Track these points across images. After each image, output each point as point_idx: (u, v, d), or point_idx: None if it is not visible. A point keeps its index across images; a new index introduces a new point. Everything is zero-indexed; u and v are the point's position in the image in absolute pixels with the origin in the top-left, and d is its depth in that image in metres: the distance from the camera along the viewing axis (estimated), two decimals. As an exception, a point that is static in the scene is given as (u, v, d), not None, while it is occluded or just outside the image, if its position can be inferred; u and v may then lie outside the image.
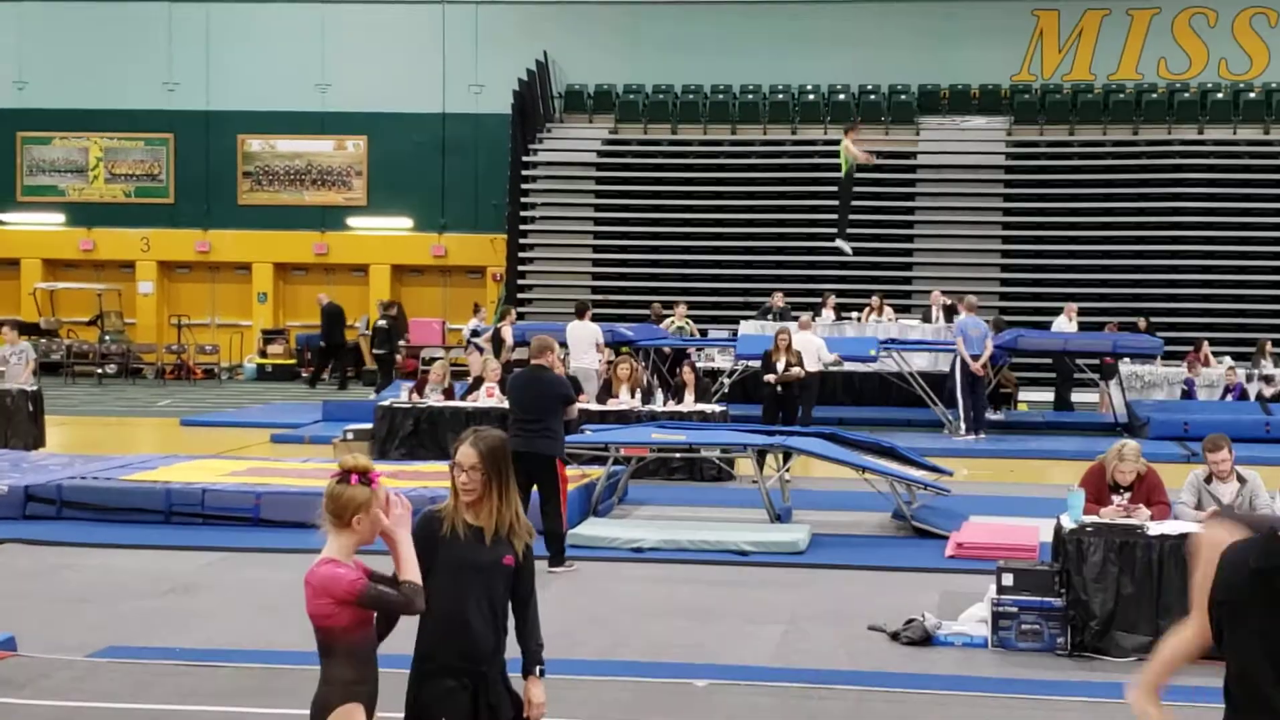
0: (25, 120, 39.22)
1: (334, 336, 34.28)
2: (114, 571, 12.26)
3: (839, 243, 27.35)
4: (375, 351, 31.39)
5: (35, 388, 20.54)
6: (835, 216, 27.98)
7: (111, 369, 35.32)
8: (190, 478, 15.22)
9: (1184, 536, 9.77)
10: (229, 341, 37.57)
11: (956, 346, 22.69)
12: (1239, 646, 4.78)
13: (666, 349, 26.54)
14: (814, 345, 22.15)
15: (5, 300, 38.57)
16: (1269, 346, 27.09)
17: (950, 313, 26.46)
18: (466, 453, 5.57)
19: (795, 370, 20.61)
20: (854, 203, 28.04)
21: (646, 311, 29.37)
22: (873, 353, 23.74)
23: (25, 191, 39.65)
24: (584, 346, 22.32)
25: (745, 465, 16.91)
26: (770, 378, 20.65)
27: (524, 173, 35.27)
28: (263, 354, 37.20)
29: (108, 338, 36.39)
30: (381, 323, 31.21)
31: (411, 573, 5.23)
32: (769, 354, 20.95)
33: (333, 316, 34.12)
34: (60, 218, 39.53)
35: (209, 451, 19.45)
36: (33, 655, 9.42)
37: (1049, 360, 27.27)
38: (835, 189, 27.56)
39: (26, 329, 27.67)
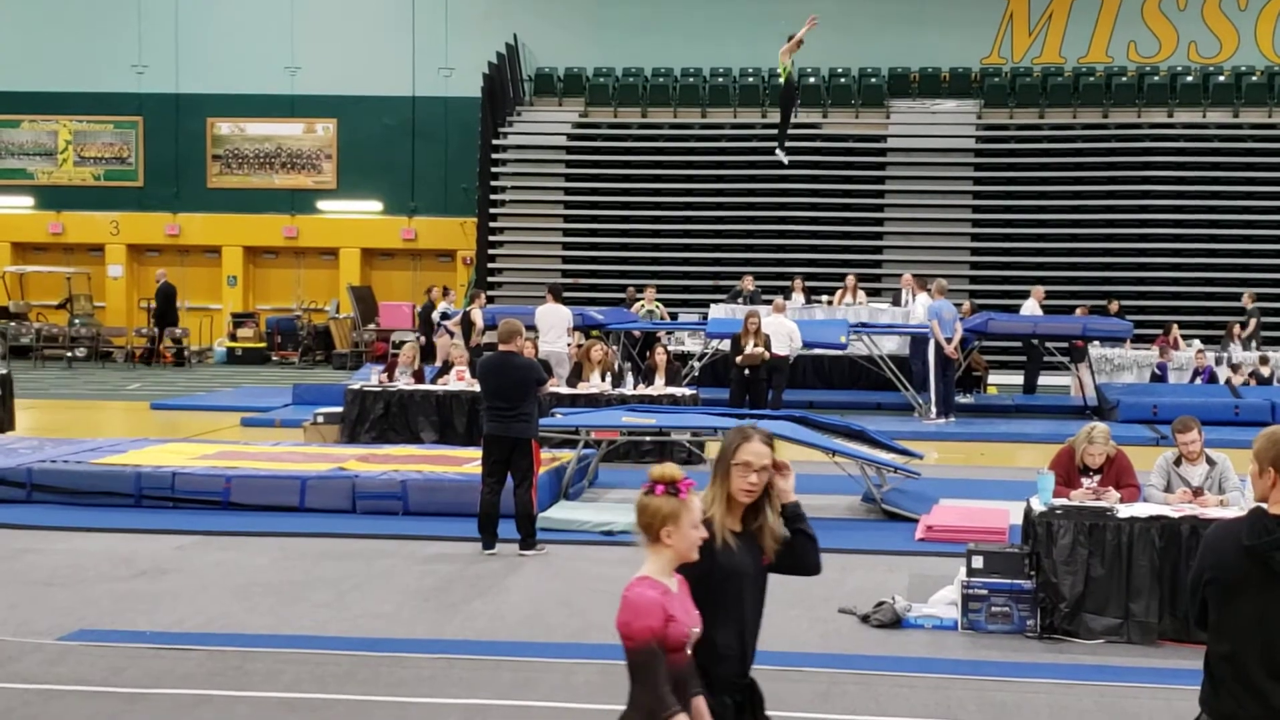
0: (-7, 102, 39.02)
1: (167, 317, 34.82)
2: (84, 555, 12.22)
3: (778, 152, 27.27)
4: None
5: (4, 371, 20.45)
6: (776, 130, 27.85)
7: (81, 352, 35.17)
8: (160, 461, 15.18)
9: (1153, 519, 9.84)
10: (199, 325, 37.44)
11: (931, 329, 22.73)
12: (1227, 626, 4.80)
13: (637, 332, 26.55)
14: (786, 328, 22.18)
15: (-27, 283, 38.38)
16: (1238, 330, 27.25)
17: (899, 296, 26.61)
18: (759, 450, 5.11)
19: (759, 351, 20.64)
20: (793, 119, 27.67)
21: (616, 295, 29.41)
22: (842, 339, 23.75)
23: (-7, 174, 39.45)
24: (556, 330, 22.29)
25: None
26: (738, 359, 20.70)
27: (494, 156, 35.22)
28: (233, 337, 37.09)
29: (77, 321, 36.22)
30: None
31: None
32: (738, 337, 20.98)
33: (168, 297, 34.81)
34: (29, 201, 39.33)
35: (179, 435, 19.39)
36: (3, 639, 9.39)
37: (1018, 344, 27.36)
38: (780, 101, 27.44)
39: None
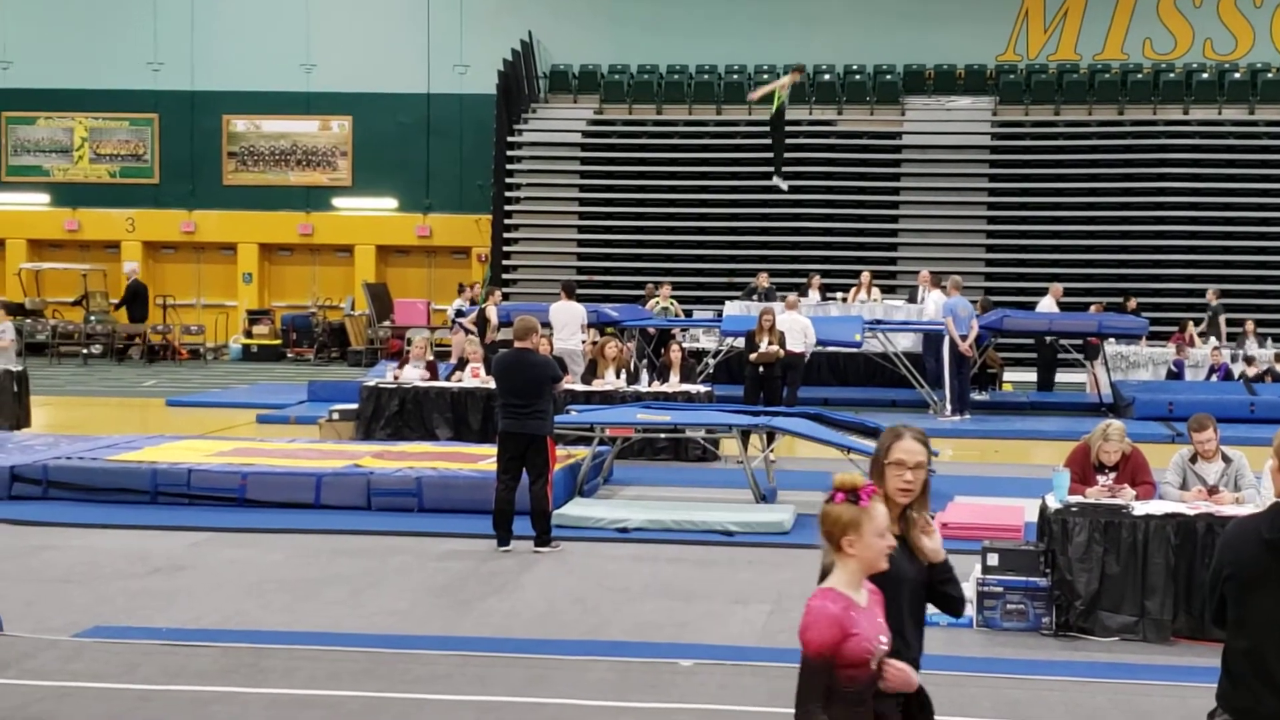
0: (10, 100, 39.09)
1: (140, 314, 35.04)
2: (100, 551, 12.25)
3: (775, 180, 27.22)
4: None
5: (20, 368, 20.52)
6: (772, 155, 27.80)
7: (96, 349, 35.24)
8: (176, 458, 15.20)
9: (1169, 517, 9.82)
10: (214, 322, 37.50)
11: (946, 326, 22.70)
12: (1247, 621, 4.78)
13: (652, 329, 26.54)
14: (800, 325, 22.15)
15: (-10, 280, 38.52)
16: (1253, 326, 27.18)
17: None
18: (912, 448, 5.01)
19: (773, 349, 20.63)
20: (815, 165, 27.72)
21: (631, 292, 29.38)
22: (857, 336, 23.72)
23: (10, 171, 39.52)
24: (570, 327, 22.28)
25: (730, 446, 16.92)
26: (752, 356, 20.69)
27: (509, 153, 35.21)
28: (248, 334, 37.14)
29: (93, 318, 36.29)
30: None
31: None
32: (752, 334, 20.97)
33: (138, 294, 35.01)
34: (45, 198, 39.41)
35: (194, 432, 19.42)
36: (19, 635, 9.42)
37: (1033, 341, 27.31)
38: (770, 125, 27.37)
39: (12, 310, 27.58)
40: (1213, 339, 26.99)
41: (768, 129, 26.16)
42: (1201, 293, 30.35)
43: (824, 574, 4.71)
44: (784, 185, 27.28)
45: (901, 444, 5.01)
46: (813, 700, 4.47)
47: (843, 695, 4.51)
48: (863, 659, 4.52)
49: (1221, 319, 27.75)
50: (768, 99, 26.67)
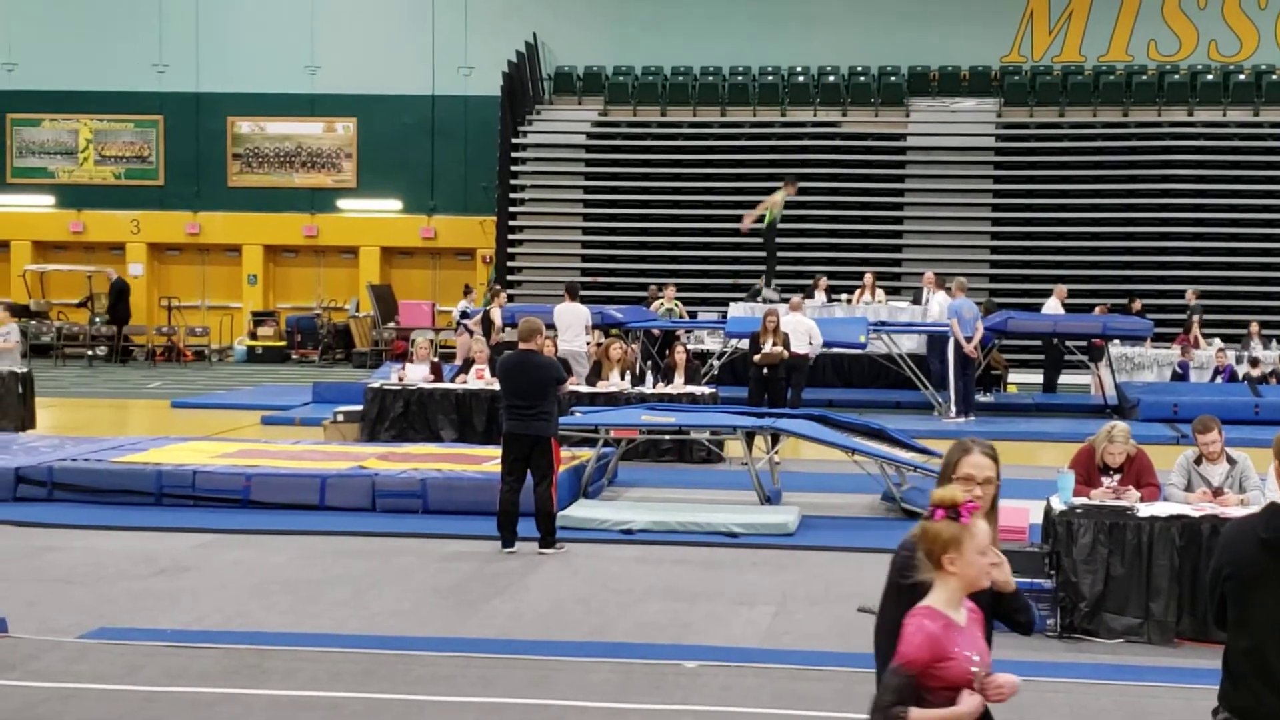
0: (14, 102, 39.12)
1: (122, 314, 35.11)
2: (104, 553, 12.26)
3: (765, 291, 27.15)
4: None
5: (25, 369, 20.53)
6: (764, 268, 27.84)
7: (102, 351, 35.27)
8: (181, 459, 15.21)
9: (1173, 519, 9.81)
10: (219, 323, 37.52)
11: (951, 328, 22.69)
12: (1247, 621, 4.79)
13: (656, 331, 26.54)
14: (805, 327, 22.15)
15: (-5, 282, 38.54)
16: (1257, 328, 27.16)
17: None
18: (980, 463, 4.91)
19: (777, 350, 20.61)
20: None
21: (635, 294, 29.38)
22: (861, 338, 23.72)
23: (14, 173, 39.55)
24: (574, 328, 22.28)
25: (735, 447, 16.92)
26: (756, 358, 20.70)
27: (513, 155, 35.22)
28: (253, 336, 37.18)
29: (98, 320, 36.34)
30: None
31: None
32: (756, 335, 20.96)
33: (121, 294, 35.14)
34: (50, 199, 39.44)
35: (199, 433, 19.44)
36: (23, 636, 9.42)
37: (1038, 342, 27.29)
38: (763, 239, 27.54)
39: (17, 311, 27.63)
40: (1217, 340, 26.96)
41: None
42: (1208, 294, 30.35)
43: (914, 592, 4.59)
44: (774, 297, 27.05)
45: (970, 458, 4.91)
46: (891, 706, 4.41)
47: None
48: (963, 680, 4.43)
49: (1197, 319, 27.72)
50: (760, 218, 26.80)
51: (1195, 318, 27.72)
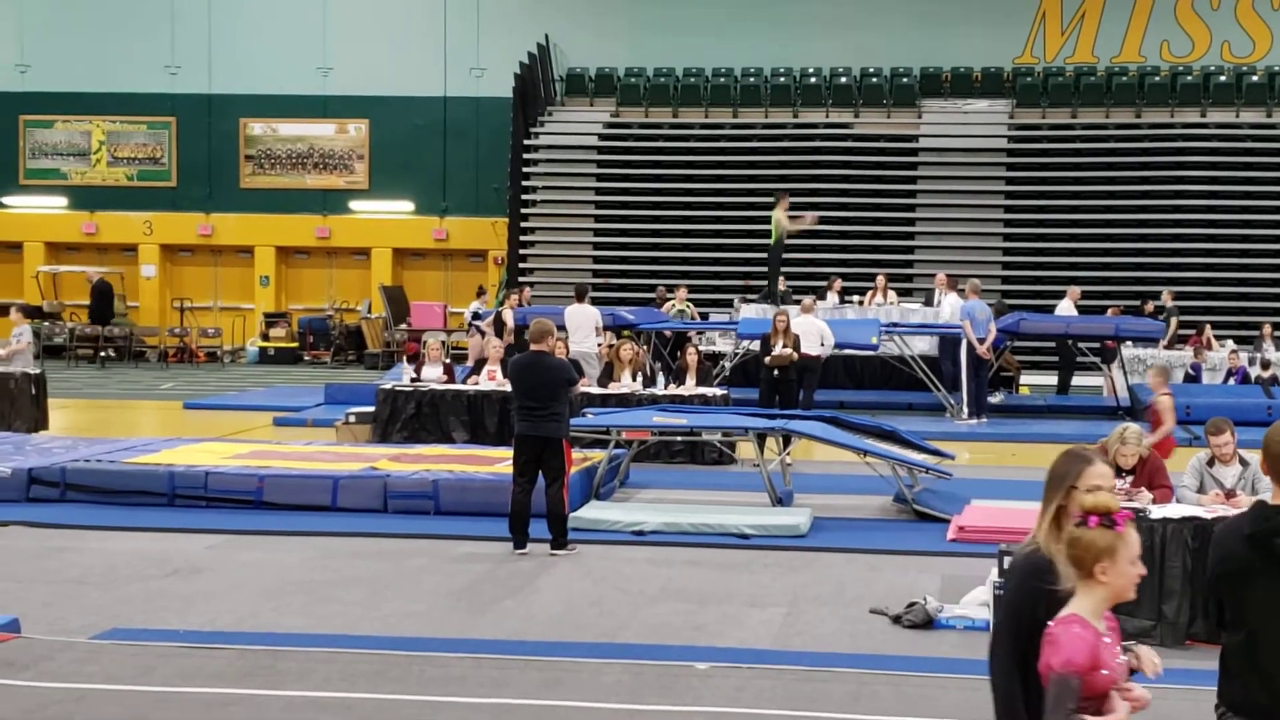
0: (28, 103, 39.23)
1: (103, 315, 35.21)
2: (117, 554, 12.27)
3: (761, 304, 27.14)
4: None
5: (38, 371, 20.58)
6: (766, 282, 27.80)
7: (113, 352, 35.34)
8: (193, 460, 15.23)
9: (1186, 520, 9.79)
10: (231, 325, 37.59)
11: (964, 329, 22.67)
12: (1240, 616, 4.83)
13: (668, 332, 26.53)
14: (816, 328, 22.11)
15: (8, 283, 38.63)
16: (1270, 330, 27.10)
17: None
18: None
19: (786, 352, 20.59)
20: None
21: (647, 295, 29.37)
22: (874, 339, 23.69)
23: (28, 175, 39.66)
24: (584, 330, 22.29)
25: (747, 449, 16.91)
26: (767, 359, 20.68)
27: (525, 156, 35.24)
28: (265, 337, 37.23)
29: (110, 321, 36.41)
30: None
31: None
32: (767, 337, 20.95)
33: (103, 295, 35.18)
34: (63, 201, 39.54)
35: (212, 434, 19.46)
36: (36, 637, 9.44)
37: (1051, 344, 27.24)
38: (766, 258, 27.52)
39: (30, 313, 27.70)
40: (1230, 342, 26.92)
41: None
42: (1222, 295, 30.33)
43: (1049, 601, 4.50)
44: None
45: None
46: (1072, 713, 4.30)
47: None
48: (1104, 692, 4.35)
49: (1174, 320, 27.66)
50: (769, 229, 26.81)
51: (1173, 319, 27.68)
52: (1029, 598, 4.58)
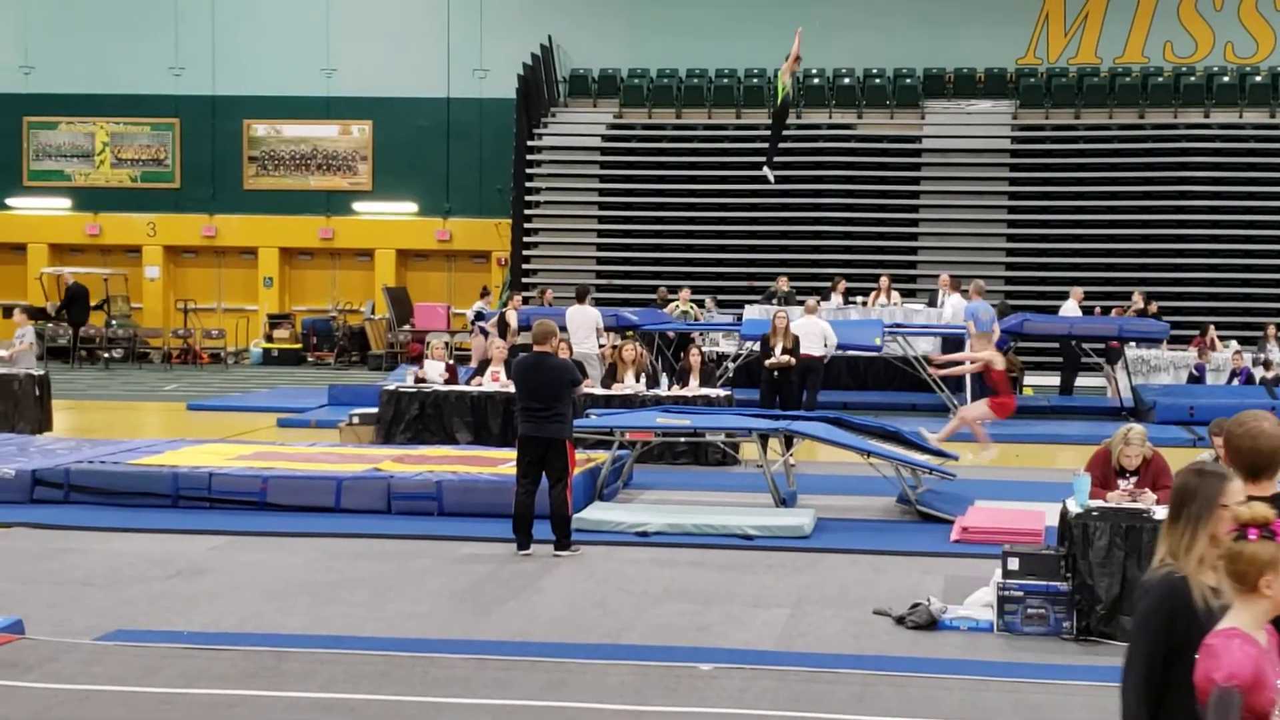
0: (31, 105, 39.25)
1: (78, 317, 35.24)
2: (121, 555, 12.28)
3: (765, 170, 27.17)
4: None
5: (42, 372, 20.59)
6: (767, 145, 27.77)
7: (118, 354, 35.36)
8: (197, 462, 15.25)
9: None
10: (235, 326, 37.60)
11: (968, 330, 22.65)
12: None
13: (671, 333, 26.54)
14: (819, 329, 22.12)
15: (12, 285, 38.64)
16: (1273, 330, 27.08)
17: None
18: (1240, 488, 4.66)
19: (784, 359, 20.56)
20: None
21: (651, 296, 29.37)
22: (877, 341, 23.69)
23: (31, 176, 39.68)
24: (584, 331, 22.30)
25: (750, 449, 16.91)
26: (767, 363, 20.69)
27: (528, 157, 35.25)
28: (269, 338, 37.25)
29: (114, 322, 36.43)
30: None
31: None
32: (767, 338, 20.95)
33: (75, 298, 35.26)
34: (67, 202, 39.56)
35: (215, 436, 19.47)
36: (40, 638, 9.44)
37: (1054, 345, 27.23)
38: (770, 120, 27.40)
39: (34, 314, 27.73)
40: (1234, 343, 26.90)
41: (788, 132, 26.18)
42: (1226, 295, 30.30)
43: (1190, 621, 4.41)
44: (771, 176, 27.16)
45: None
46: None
47: None
48: (1266, 712, 4.18)
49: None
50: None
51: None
52: (1167, 619, 4.46)
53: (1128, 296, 29.17)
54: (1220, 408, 18.83)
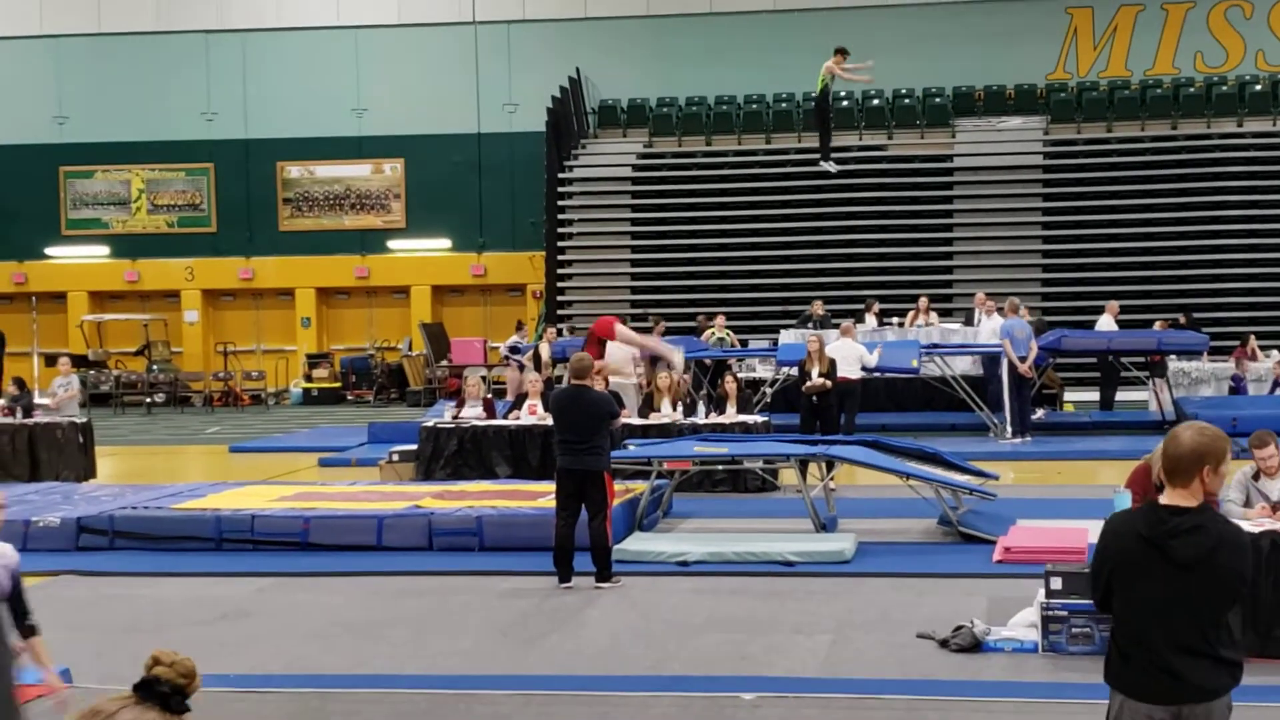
0: (67, 154, 39.61)
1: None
2: (166, 600, 12.36)
3: (823, 164, 27.20)
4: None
5: (85, 420, 20.75)
6: (818, 144, 27.86)
7: (160, 398, 35.58)
8: (239, 504, 15.31)
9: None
10: (274, 367, 37.78)
11: (1004, 348, 22.61)
12: (1130, 604, 5.18)
13: (707, 360, 26.52)
14: (855, 352, 22.10)
15: (53, 333, 38.93)
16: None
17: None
18: None
19: (820, 382, 20.52)
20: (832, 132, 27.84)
21: (686, 324, 29.36)
22: (914, 363, 23.63)
23: (69, 225, 40.01)
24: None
25: (789, 475, 16.90)
26: (805, 387, 20.66)
27: (560, 189, 35.36)
28: (308, 378, 37.40)
29: (155, 367, 36.68)
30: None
31: None
32: (803, 363, 20.94)
33: None
34: (105, 250, 39.87)
35: (257, 477, 19.55)
36: (88, 686, 9.49)
37: (1094, 360, 27.12)
38: (815, 112, 27.53)
39: (75, 362, 27.94)
40: (1275, 353, 26.73)
41: (818, 156, 26.22)
42: (1265, 305, 30.09)
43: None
44: (833, 168, 27.23)
45: None
46: None
47: None
48: None
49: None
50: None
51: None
52: None
53: (1166, 309, 29.05)
54: (1263, 419, 18.72)
